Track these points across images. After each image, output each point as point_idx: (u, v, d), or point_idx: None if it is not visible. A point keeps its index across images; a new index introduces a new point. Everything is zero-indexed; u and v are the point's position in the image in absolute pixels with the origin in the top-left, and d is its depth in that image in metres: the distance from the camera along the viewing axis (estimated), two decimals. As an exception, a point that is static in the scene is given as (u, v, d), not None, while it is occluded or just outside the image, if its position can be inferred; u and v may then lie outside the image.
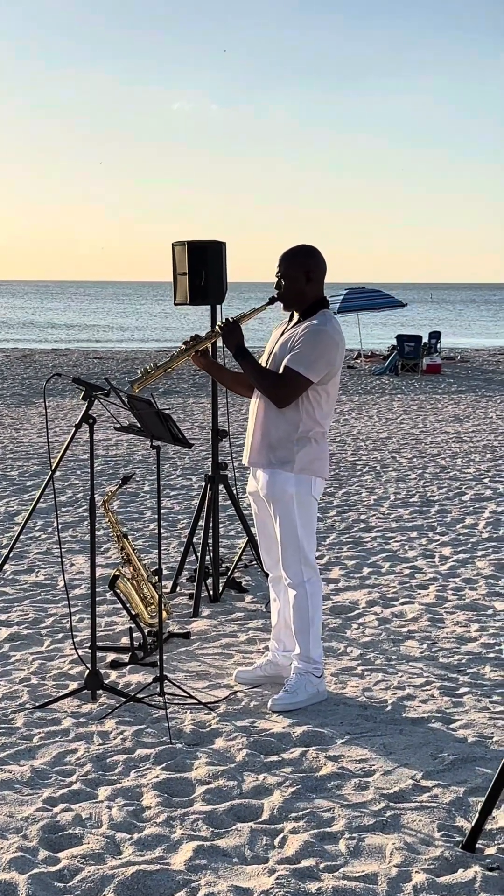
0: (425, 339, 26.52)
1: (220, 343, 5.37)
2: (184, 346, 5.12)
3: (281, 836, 3.76)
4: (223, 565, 7.12)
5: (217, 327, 5.10)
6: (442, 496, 10.15)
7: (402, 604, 6.63)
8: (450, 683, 5.26)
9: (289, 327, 5.00)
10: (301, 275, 4.89)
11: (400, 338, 26.18)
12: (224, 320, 5.05)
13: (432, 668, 5.48)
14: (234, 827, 3.83)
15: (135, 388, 5.19)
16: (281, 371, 4.83)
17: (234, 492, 6.91)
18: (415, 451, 13.16)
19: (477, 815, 3.69)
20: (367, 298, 27.58)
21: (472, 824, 3.68)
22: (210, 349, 5.36)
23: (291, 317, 5.04)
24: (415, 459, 12.45)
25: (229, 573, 6.95)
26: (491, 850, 3.65)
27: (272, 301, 5.02)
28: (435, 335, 27.50)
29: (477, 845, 3.65)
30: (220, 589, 6.73)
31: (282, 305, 5.00)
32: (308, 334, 4.83)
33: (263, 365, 4.98)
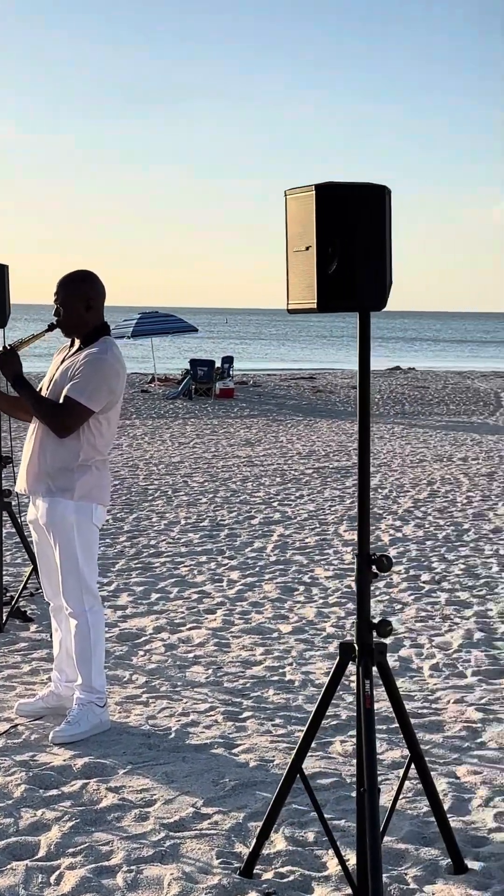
0: (218, 364, 26.83)
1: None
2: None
3: (57, 872, 3.68)
4: (7, 594, 6.98)
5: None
6: (232, 520, 10.25)
7: (190, 629, 6.64)
8: (234, 708, 5.30)
9: (69, 354, 4.95)
10: (80, 302, 4.85)
11: (193, 362, 26.42)
12: (1, 348, 4.95)
13: (217, 693, 5.51)
14: (8, 866, 3.73)
15: None
16: (62, 400, 4.77)
17: (19, 519, 6.78)
18: (206, 475, 13.26)
19: (254, 840, 3.72)
20: (160, 323, 27.74)
21: (250, 849, 3.71)
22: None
23: (73, 342, 4.99)
24: (206, 483, 12.54)
25: (13, 602, 6.81)
26: (268, 875, 3.68)
27: (51, 328, 4.95)
28: (228, 360, 27.85)
29: (254, 870, 3.67)
30: (4, 618, 6.58)
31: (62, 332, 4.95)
32: (88, 363, 4.78)
33: (44, 391, 4.91)
